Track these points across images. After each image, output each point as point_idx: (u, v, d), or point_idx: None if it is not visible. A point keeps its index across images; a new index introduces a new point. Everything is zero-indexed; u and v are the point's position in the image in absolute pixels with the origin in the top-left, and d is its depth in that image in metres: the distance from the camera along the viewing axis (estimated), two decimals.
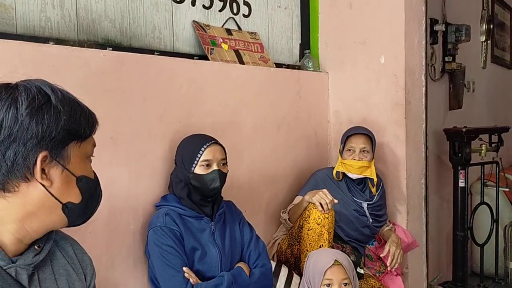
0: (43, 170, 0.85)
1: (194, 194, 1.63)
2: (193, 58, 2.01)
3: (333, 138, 2.64)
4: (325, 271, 1.56)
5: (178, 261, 1.50)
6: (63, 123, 0.86)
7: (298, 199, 2.20)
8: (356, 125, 2.33)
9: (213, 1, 2.17)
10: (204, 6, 2.13)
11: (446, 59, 3.32)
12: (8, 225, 0.86)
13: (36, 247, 0.91)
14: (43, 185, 0.85)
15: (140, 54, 1.72)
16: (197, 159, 1.62)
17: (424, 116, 2.46)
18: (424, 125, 2.48)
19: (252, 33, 2.35)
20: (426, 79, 2.46)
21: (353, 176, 2.19)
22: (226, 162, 1.69)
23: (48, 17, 1.57)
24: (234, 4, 2.28)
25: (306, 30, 2.68)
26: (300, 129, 2.47)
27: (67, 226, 0.94)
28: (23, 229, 0.87)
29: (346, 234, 2.16)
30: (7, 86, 0.86)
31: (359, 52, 2.51)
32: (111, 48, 1.69)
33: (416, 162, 2.47)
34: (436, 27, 3.14)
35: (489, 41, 3.98)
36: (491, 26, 3.95)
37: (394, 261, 2.11)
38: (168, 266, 1.48)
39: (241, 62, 2.18)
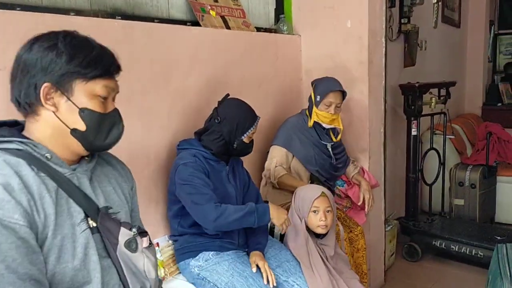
0: (47, 97, 1.06)
1: (225, 149, 1.97)
2: (186, 24, 2.27)
3: (305, 93, 2.98)
4: (314, 200, 1.97)
5: (209, 191, 1.83)
6: (63, 62, 1.05)
7: (275, 149, 2.52)
8: (331, 77, 2.56)
9: None
10: None
11: (402, 21, 3.70)
12: (51, 142, 1.09)
13: (85, 158, 1.16)
14: (52, 111, 1.07)
15: (145, 23, 1.98)
16: (249, 131, 1.97)
17: (383, 74, 2.83)
18: (383, 82, 2.86)
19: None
20: (386, 40, 2.82)
21: (326, 126, 2.54)
22: None
23: None
24: None
25: None
26: (277, 86, 2.79)
27: (88, 151, 1.13)
28: (57, 146, 1.10)
29: (320, 174, 2.54)
30: (42, 34, 1.10)
31: (328, 16, 2.81)
32: (119, 17, 1.93)
33: (377, 114, 2.86)
34: None
35: (440, 3, 4.36)
36: None
37: (369, 206, 2.58)
38: (201, 194, 1.81)
39: (228, 27, 2.46)
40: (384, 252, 3.14)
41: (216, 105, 2.04)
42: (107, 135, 1.14)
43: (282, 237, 2.21)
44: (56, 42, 1.06)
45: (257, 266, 1.84)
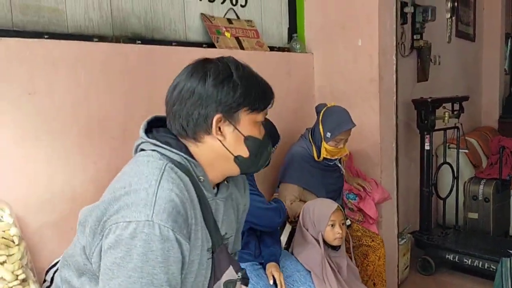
0: (219, 128, 1.10)
1: None
2: (202, 46, 2.39)
3: None
4: (331, 215, 2.06)
5: None
6: (238, 95, 1.08)
7: (288, 188, 2.49)
8: (341, 109, 2.51)
9: None
10: (209, 0, 2.49)
11: (415, 37, 3.77)
12: (209, 165, 1.13)
13: (225, 181, 1.20)
14: (219, 140, 1.11)
15: (164, 46, 2.10)
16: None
17: (394, 90, 2.90)
18: (394, 97, 2.92)
19: (248, 21, 2.72)
20: (396, 57, 2.89)
21: (333, 159, 2.51)
22: None
23: (91, 17, 1.93)
24: None
25: (293, 15, 3.05)
26: (290, 103, 2.89)
27: (242, 173, 1.19)
28: (212, 170, 1.14)
29: (330, 197, 2.48)
30: (205, 61, 1.14)
31: (339, 34, 2.91)
32: (140, 42, 2.06)
33: (388, 129, 2.92)
34: (406, 9, 3.56)
35: (453, 17, 4.42)
36: (455, 3, 4.38)
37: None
38: None
39: (242, 47, 2.57)
40: (398, 266, 3.17)
41: None
42: (260, 158, 1.19)
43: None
44: (231, 74, 1.10)
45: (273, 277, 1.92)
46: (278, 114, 2.77)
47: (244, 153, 1.14)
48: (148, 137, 1.12)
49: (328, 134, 2.44)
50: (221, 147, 1.12)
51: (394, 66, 2.89)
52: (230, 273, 1.15)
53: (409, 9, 3.57)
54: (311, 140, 2.55)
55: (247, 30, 2.68)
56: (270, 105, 1.18)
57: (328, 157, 2.49)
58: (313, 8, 3.01)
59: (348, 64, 2.89)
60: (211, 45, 2.42)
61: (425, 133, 3.52)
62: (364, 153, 2.91)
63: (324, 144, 2.47)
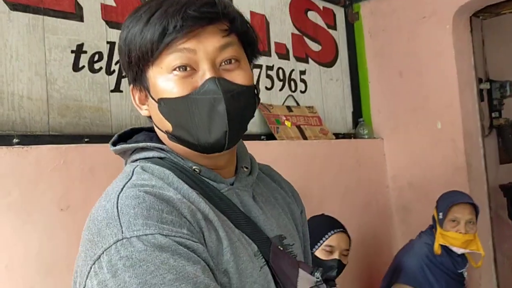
0: (141, 101, 0.81)
1: None
2: (260, 138, 2.11)
3: (393, 203, 2.67)
4: None
5: None
6: (126, 44, 0.76)
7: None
8: (457, 190, 2.18)
9: (273, 82, 2.30)
10: (266, 88, 2.25)
11: (493, 115, 3.37)
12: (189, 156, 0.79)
13: (244, 168, 0.85)
14: (149, 117, 0.81)
15: None
16: (321, 241, 1.66)
17: (485, 178, 2.48)
18: (486, 187, 2.49)
19: (309, 107, 2.46)
20: (483, 141, 2.50)
21: (458, 250, 2.05)
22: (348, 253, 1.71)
23: (138, 115, 1.70)
24: (292, 82, 2.40)
25: (357, 99, 2.78)
26: (362, 196, 2.52)
27: (205, 153, 0.77)
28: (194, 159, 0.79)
29: None
30: None
31: (412, 118, 2.57)
32: None
33: (482, 224, 2.46)
34: (481, 86, 3.20)
35: None
36: None
37: None
38: None
39: (304, 137, 2.28)
40: None
41: None
42: (208, 125, 0.77)
43: None
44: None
45: None
46: (349, 207, 2.40)
47: (167, 125, 0.76)
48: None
49: (441, 215, 2.05)
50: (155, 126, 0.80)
51: (482, 150, 2.49)
52: (304, 278, 0.80)
53: (485, 86, 3.20)
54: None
55: (308, 117, 2.40)
56: (181, 28, 0.71)
57: (447, 244, 2.03)
58: (380, 90, 2.72)
59: (425, 149, 2.52)
60: (270, 136, 2.14)
61: None
62: None
63: (439, 230, 2.05)
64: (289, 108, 2.35)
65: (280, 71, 2.34)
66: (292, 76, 2.41)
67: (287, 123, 2.26)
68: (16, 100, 1.40)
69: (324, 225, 1.71)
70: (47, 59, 1.48)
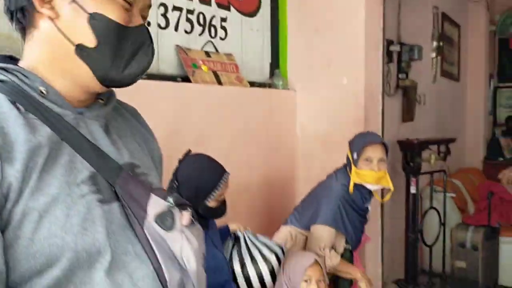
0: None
1: None
2: (176, 79, 2.20)
3: (300, 149, 2.89)
4: (306, 268, 1.85)
5: None
6: None
7: (324, 231, 2.13)
8: (367, 131, 2.31)
9: (193, 26, 2.37)
10: (185, 31, 2.32)
11: (400, 76, 3.66)
12: (51, 69, 0.76)
13: (100, 100, 0.83)
14: (49, 17, 0.74)
15: None
16: (213, 194, 1.65)
17: (381, 132, 2.75)
18: None
19: (228, 54, 2.57)
20: (383, 97, 2.75)
21: (372, 187, 2.18)
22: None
23: None
24: (212, 28, 2.48)
25: (275, 50, 2.91)
26: (271, 142, 2.71)
27: (102, 84, 0.78)
28: (58, 77, 0.77)
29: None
30: None
31: (324, 72, 2.77)
32: None
33: None
34: (392, 48, 3.46)
35: (439, 57, 4.37)
36: (441, 43, 4.34)
37: None
38: None
39: (219, 82, 2.40)
40: None
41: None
42: (129, 60, 0.79)
43: None
44: None
45: None
46: (257, 152, 2.59)
47: (89, 40, 0.74)
48: None
49: (355, 155, 2.14)
50: (55, 31, 0.74)
51: (381, 107, 2.75)
52: (156, 203, 0.79)
53: (395, 48, 3.47)
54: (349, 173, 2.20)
55: (226, 64, 2.52)
56: None
57: (361, 182, 2.14)
58: (297, 44, 2.87)
59: (333, 103, 2.75)
60: (185, 79, 2.24)
61: (411, 176, 3.37)
62: None
63: (354, 169, 2.15)
64: (207, 53, 2.43)
65: (201, 16, 2.41)
66: (213, 22, 2.49)
67: (204, 68, 2.36)
68: None
69: (206, 179, 1.69)
70: None
